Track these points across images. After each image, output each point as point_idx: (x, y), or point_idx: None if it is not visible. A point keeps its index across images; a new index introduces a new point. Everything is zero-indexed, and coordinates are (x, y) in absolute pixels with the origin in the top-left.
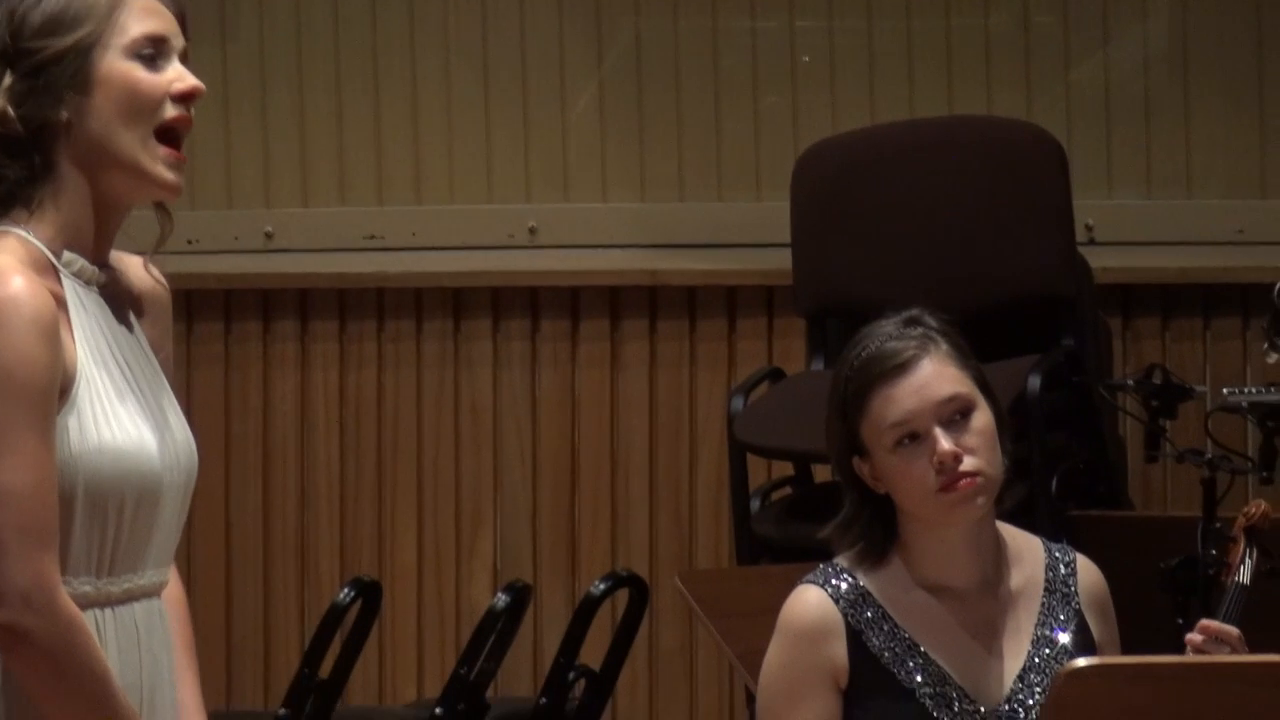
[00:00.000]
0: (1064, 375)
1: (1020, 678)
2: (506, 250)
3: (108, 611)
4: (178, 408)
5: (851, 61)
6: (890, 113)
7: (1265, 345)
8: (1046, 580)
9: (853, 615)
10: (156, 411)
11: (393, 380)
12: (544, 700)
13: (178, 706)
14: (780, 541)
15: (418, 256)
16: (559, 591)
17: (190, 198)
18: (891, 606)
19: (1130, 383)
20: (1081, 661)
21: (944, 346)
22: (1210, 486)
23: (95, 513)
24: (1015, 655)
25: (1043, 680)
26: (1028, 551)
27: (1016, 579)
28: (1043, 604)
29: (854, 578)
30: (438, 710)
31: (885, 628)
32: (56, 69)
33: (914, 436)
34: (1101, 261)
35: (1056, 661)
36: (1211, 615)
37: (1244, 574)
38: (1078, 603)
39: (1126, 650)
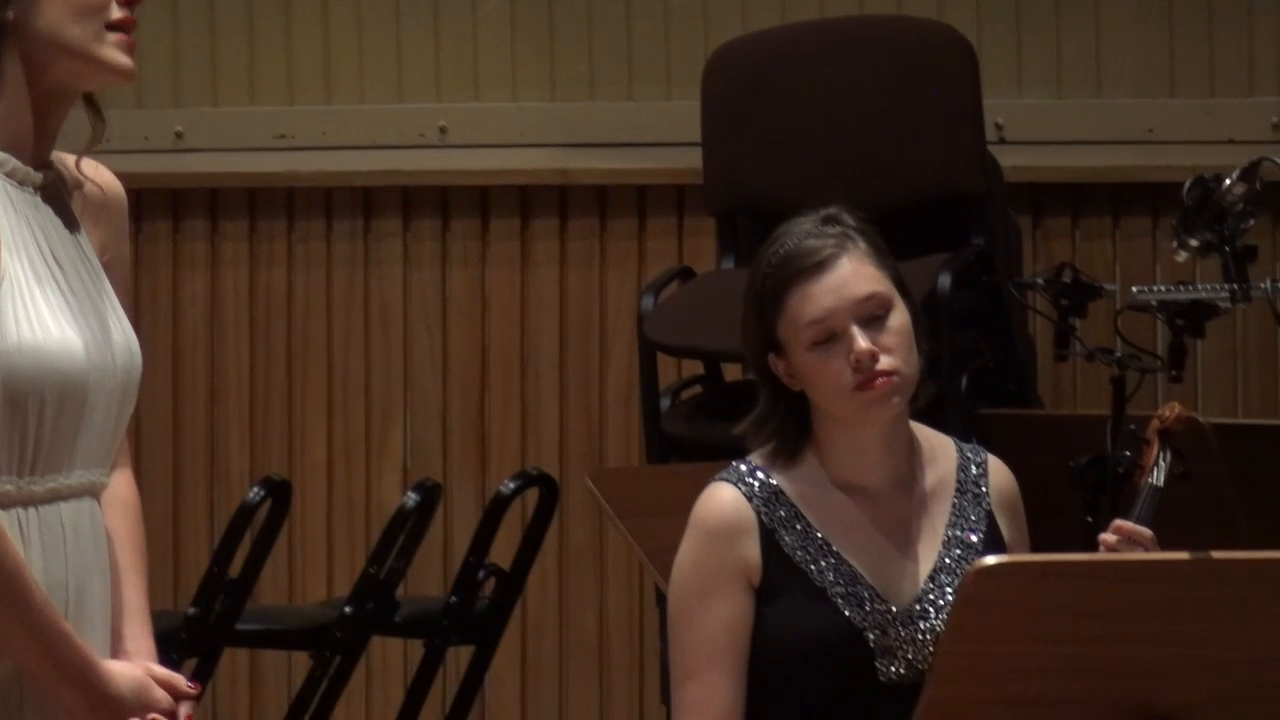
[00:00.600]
0: (974, 274)
1: (931, 578)
2: (417, 150)
3: (31, 511)
4: (120, 310)
5: None
6: (801, 11)
7: (1174, 244)
8: (958, 481)
9: (766, 513)
10: (90, 313)
11: (303, 280)
12: (454, 599)
13: (112, 606)
14: (690, 440)
15: (328, 156)
16: (469, 490)
17: (99, 97)
18: (804, 505)
19: (1040, 281)
20: (990, 559)
21: (862, 245)
22: (1120, 385)
23: (15, 411)
24: (927, 555)
25: (953, 581)
26: (941, 452)
27: (930, 479)
28: (954, 505)
29: (767, 476)
30: (347, 609)
31: (798, 526)
32: None
33: (831, 335)
34: (1011, 160)
35: (967, 562)
36: (1121, 514)
37: (1157, 476)
38: (988, 503)
39: (1036, 548)
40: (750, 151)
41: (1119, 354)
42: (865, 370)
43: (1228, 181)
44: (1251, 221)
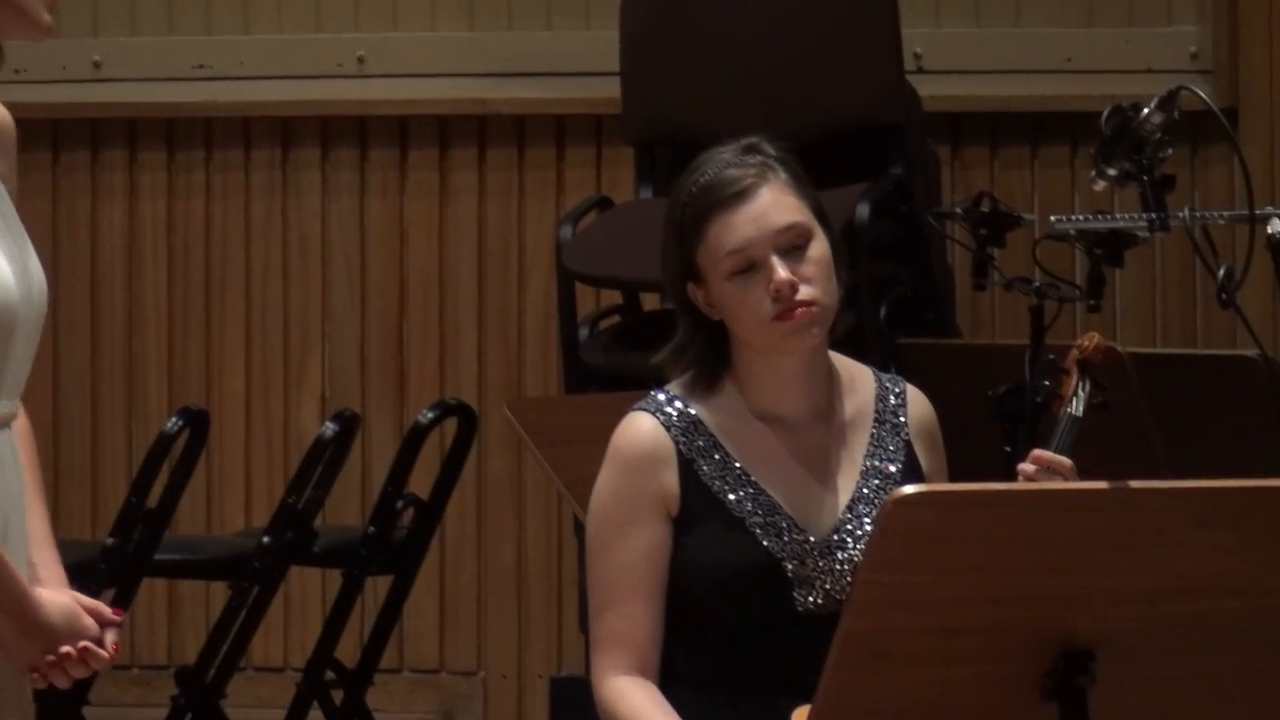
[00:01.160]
0: (892, 203)
1: (849, 508)
2: (335, 79)
3: None
4: (29, 242)
5: None
6: None
7: (1093, 173)
8: (877, 411)
9: (684, 443)
10: (12, 245)
11: (221, 210)
12: (372, 529)
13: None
14: (608, 370)
15: (246, 86)
16: (387, 420)
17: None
18: (723, 435)
19: (959, 211)
20: (908, 489)
21: (782, 175)
22: (1038, 314)
23: None
24: (845, 486)
25: (871, 511)
26: (859, 382)
27: (848, 409)
28: (872, 435)
29: (685, 405)
30: (265, 539)
31: (716, 456)
32: None
33: (751, 264)
34: (930, 90)
35: (885, 492)
36: (1039, 444)
37: (1077, 406)
38: (907, 433)
39: (954, 478)
40: (669, 82)
41: (1037, 283)
42: (785, 300)
43: (1146, 111)
44: (1170, 151)
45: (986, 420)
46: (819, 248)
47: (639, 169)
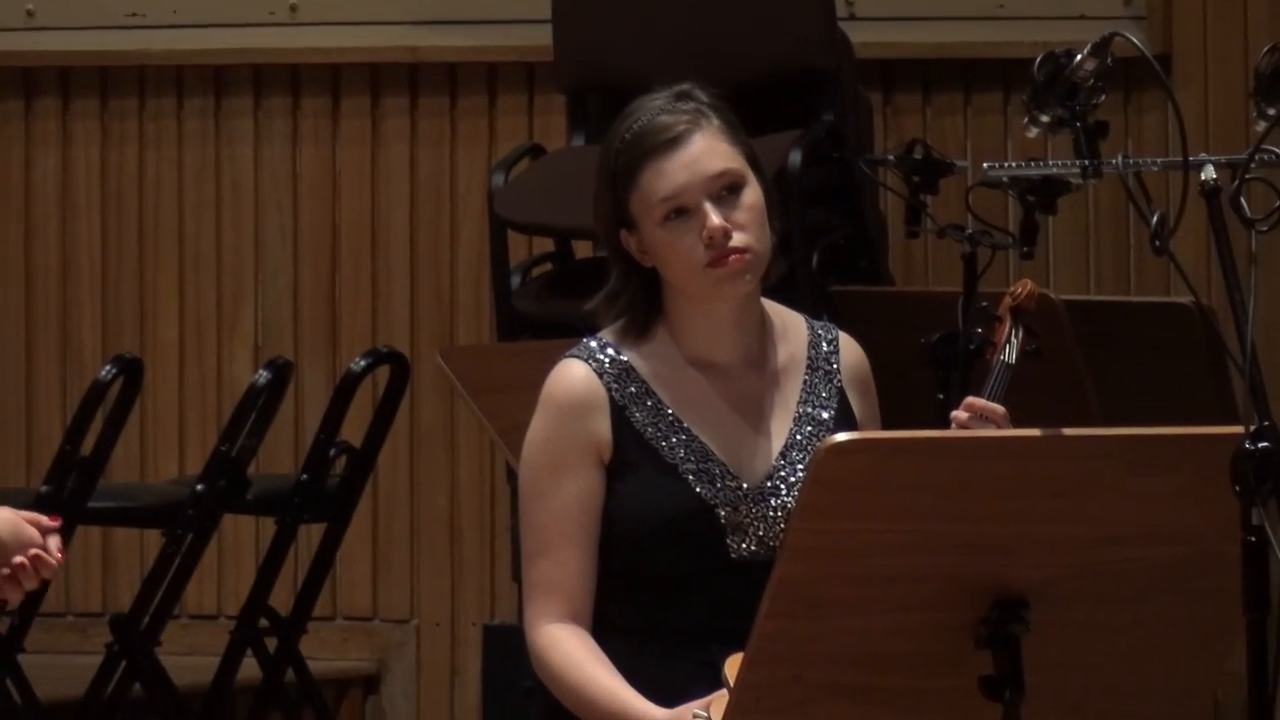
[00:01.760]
0: (824, 151)
1: (783, 454)
2: (267, 27)
3: None
4: None
5: None
6: None
7: (1025, 120)
8: (809, 358)
9: (617, 389)
10: None
11: (154, 158)
12: (305, 476)
13: None
14: (540, 317)
15: (179, 34)
16: (320, 368)
17: None
18: (655, 381)
19: (891, 158)
20: (840, 437)
21: (715, 121)
22: (971, 262)
23: None
24: (778, 432)
25: (804, 457)
26: (792, 329)
27: (781, 356)
28: (805, 381)
29: (618, 352)
30: (199, 487)
31: (649, 403)
32: None
33: (683, 211)
34: (862, 36)
35: (818, 438)
36: (972, 391)
37: (1009, 353)
38: (840, 380)
39: (887, 426)
40: (600, 29)
41: (970, 231)
42: (717, 247)
43: (1079, 57)
44: (1103, 97)
45: (919, 368)
46: (752, 195)
47: (571, 117)
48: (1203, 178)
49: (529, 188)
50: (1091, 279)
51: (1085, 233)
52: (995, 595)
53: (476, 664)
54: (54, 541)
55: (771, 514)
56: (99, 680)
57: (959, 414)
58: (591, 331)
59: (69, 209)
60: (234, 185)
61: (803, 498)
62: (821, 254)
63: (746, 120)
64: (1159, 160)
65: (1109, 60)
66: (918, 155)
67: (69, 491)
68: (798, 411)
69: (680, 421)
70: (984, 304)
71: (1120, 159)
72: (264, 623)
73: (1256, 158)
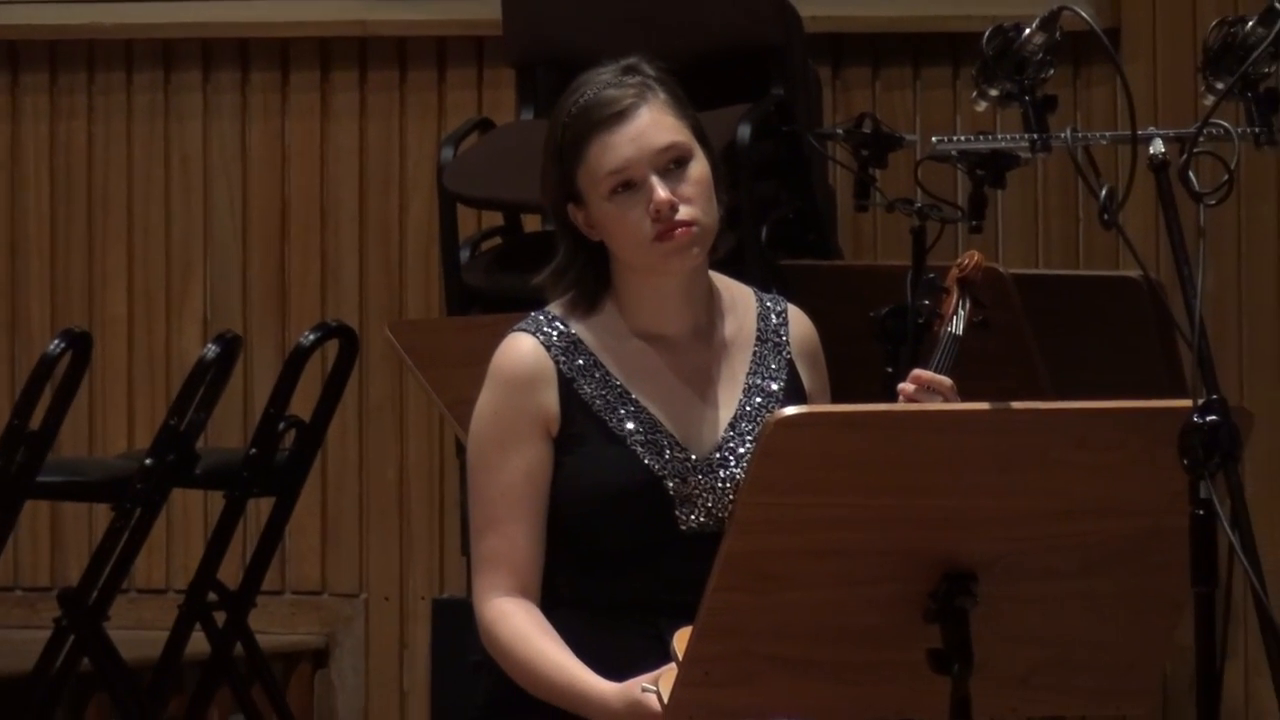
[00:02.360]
0: (774, 124)
1: (731, 426)
2: (216, 1)
3: None
4: None
5: None
6: None
7: (974, 94)
8: (759, 330)
9: (565, 362)
10: None
11: (103, 132)
12: (254, 450)
13: None
14: (489, 291)
15: (128, 8)
16: (269, 342)
17: None
18: (604, 354)
19: (840, 131)
20: (790, 409)
21: (662, 95)
22: (920, 235)
23: None
24: (727, 404)
25: (753, 429)
26: (740, 301)
27: (729, 328)
28: (754, 353)
29: (566, 325)
30: (148, 461)
31: (597, 375)
32: None
33: (630, 184)
34: (811, 10)
35: (767, 409)
36: (922, 365)
37: (957, 325)
38: (789, 352)
39: (837, 399)
40: (549, 3)
41: (919, 204)
42: (665, 220)
43: (1028, 31)
44: (1051, 71)
45: (868, 341)
46: (699, 168)
47: (520, 91)
48: (1151, 152)
49: (478, 162)
50: (1040, 253)
51: (1034, 207)
52: (944, 569)
53: (425, 638)
54: None
55: (720, 485)
56: (47, 655)
57: (906, 386)
58: (540, 305)
59: (18, 183)
60: (183, 159)
61: (751, 471)
62: (771, 228)
63: (695, 94)
64: (1108, 134)
65: (1058, 34)
66: (867, 129)
67: (17, 466)
68: (747, 383)
69: (629, 393)
70: (931, 276)
71: (1069, 133)
72: (213, 597)
73: (1205, 132)
